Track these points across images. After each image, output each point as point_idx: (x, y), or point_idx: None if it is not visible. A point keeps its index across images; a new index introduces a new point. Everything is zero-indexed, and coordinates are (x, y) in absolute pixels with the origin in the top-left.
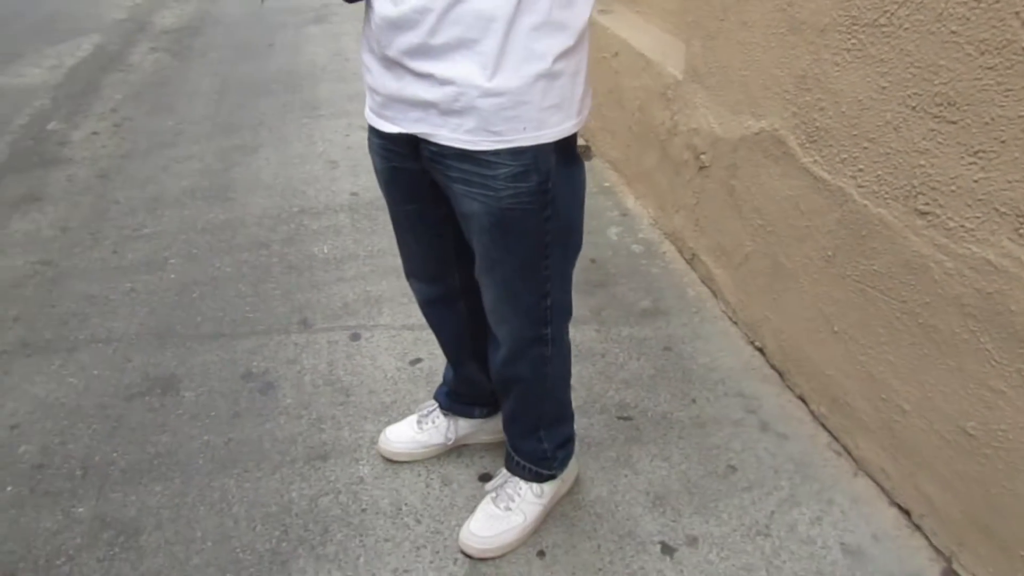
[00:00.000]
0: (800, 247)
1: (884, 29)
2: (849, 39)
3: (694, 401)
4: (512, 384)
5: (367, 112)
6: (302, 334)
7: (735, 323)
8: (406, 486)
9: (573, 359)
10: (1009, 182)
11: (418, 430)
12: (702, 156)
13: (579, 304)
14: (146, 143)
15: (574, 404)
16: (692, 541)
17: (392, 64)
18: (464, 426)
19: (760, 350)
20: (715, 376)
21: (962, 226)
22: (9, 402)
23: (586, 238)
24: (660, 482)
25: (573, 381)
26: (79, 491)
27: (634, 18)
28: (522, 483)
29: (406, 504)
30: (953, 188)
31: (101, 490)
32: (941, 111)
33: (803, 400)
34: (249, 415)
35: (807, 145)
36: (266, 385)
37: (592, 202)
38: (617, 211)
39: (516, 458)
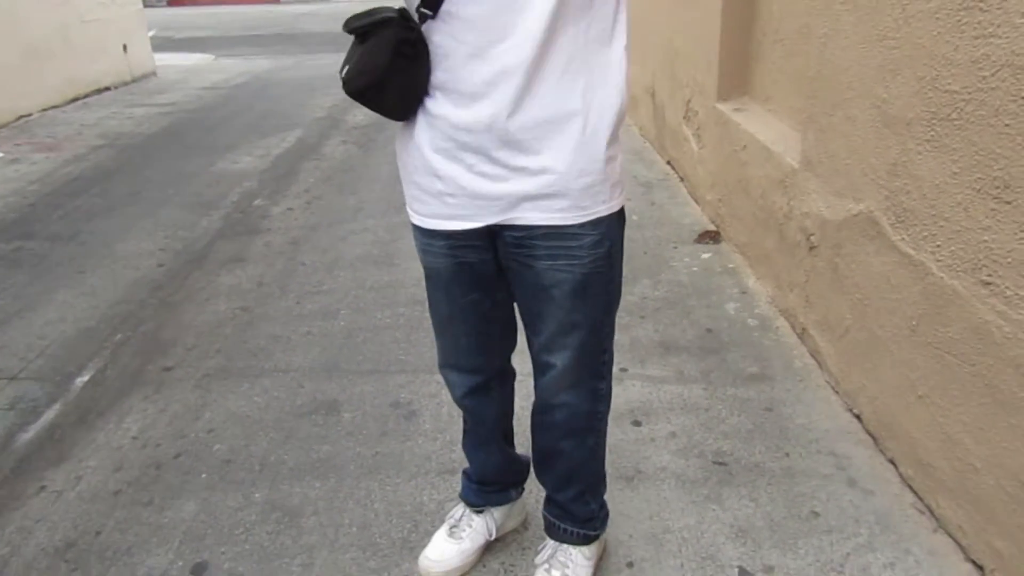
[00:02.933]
0: (890, 318)
1: (955, 122)
2: (929, 131)
3: (787, 455)
4: (572, 448)
5: (421, 220)
6: None
7: (836, 392)
8: None
9: (679, 411)
10: None
11: (456, 540)
12: (811, 237)
13: (690, 366)
14: (331, 218)
15: (675, 447)
16: (768, 569)
17: (478, 163)
18: (499, 516)
19: (857, 417)
20: (810, 435)
21: (1017, 294)
22: (208, 413)
23: (704, 311)
24: (745, 518)
25: (675, 429)
26: (256, 481)
27: (766, 115)
28: (572, 549)
29: None
30: (1010, 260)
31: (273, 482)
32: (999, 193)
33: (893, 463)
34: (394, 435)
35: (896, 225)
36: (410, 412)
37: (714, 280)
38: (737, 289)
39: (563, 526)
